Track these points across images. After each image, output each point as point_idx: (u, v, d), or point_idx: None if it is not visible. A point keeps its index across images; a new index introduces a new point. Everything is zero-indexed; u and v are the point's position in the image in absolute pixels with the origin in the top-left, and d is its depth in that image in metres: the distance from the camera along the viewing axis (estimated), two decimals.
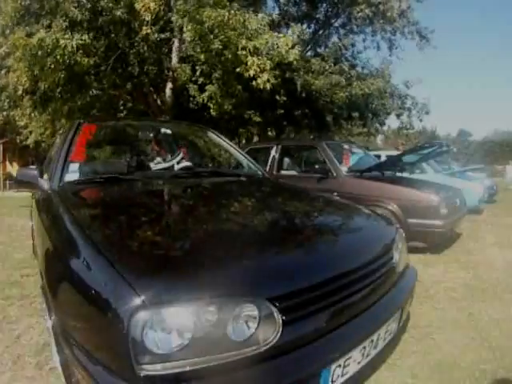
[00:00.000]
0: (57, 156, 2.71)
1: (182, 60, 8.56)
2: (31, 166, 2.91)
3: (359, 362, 1.56)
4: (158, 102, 9.49)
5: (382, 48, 12.01)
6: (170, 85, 8.94)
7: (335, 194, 4.43)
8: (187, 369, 1.15)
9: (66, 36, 6.51)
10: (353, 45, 12.40)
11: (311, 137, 13.60)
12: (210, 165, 4.04)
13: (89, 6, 7.06)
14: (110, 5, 7.10)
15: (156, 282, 1.23)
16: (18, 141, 14.76)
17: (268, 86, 6.20)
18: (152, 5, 6.03)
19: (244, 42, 6.13)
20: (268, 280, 1.38)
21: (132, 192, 2.54)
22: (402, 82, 11.49)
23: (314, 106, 10.34)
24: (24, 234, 6.13)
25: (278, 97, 8.36)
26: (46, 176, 2.71)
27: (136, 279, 1.22)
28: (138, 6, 6.26)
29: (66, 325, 1.46)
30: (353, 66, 11.16)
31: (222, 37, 6.31)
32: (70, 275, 1.46)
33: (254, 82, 6.25)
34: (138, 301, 1.15)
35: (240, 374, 1.21)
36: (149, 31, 6.83)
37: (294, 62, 6.98)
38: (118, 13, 7.20)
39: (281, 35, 6.27)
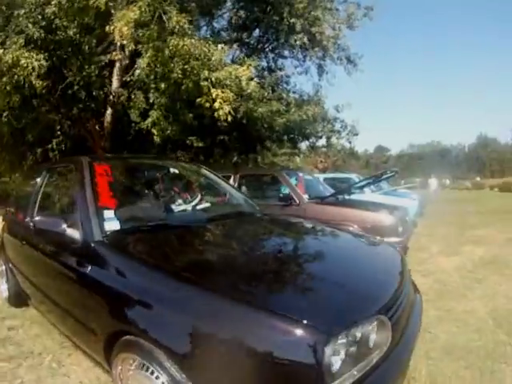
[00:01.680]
0: (81, 202, 2.62)
1: (124, 85, 8.82)
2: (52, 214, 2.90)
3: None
4: (97, 127, 9.58)
5: (312, 73, 13.21)
6: (109, 110, 9.10)
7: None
8: (353, 379, 1.56)
9: (26, 54, 6.43)
10: (280, 69, 13.35)
11: (235, 158, 14.22)
12: (216, 202, 4.15)
13: (44, 23, 7.04)
14: (65, 23, 7.14)
15: (322, 316, 1.59)
16: None
17: (229, 117, 6.67)
18: (125, 29, 6.15)
19: (207, 73, 6.62)
20: (376, 299, 1.87)
21: (198, 237, 2.72)
22: (333, 106, 12.70)
23: (252, 131, 11.13)
24: None
25: (219, 123, 8.98)
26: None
27: (312, 318, 1.53)
28: (109, 29, 6.41)
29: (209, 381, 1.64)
30: (288, 92, 12.16)
31: (186, 66, 6.69)
32: (209, 331, 1.63)
33: (215, 114, 6.68)
34: (322, 335, 1.46)
35: (376, 373, 1.65)
36: (120, 56, 6.96)
37: (253, 94, 7.59)
38: (71, 32, 7.28)
39: (242, 68, 6.81)
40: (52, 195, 3.97)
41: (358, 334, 1.61)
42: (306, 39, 10.73)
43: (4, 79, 6.56)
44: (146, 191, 3.63)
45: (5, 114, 7.66)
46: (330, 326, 1.53)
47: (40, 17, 7.06)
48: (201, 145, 9.40)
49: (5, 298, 4.60)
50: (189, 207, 3.38)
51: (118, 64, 8.89)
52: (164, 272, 1.98)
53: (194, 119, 8.59)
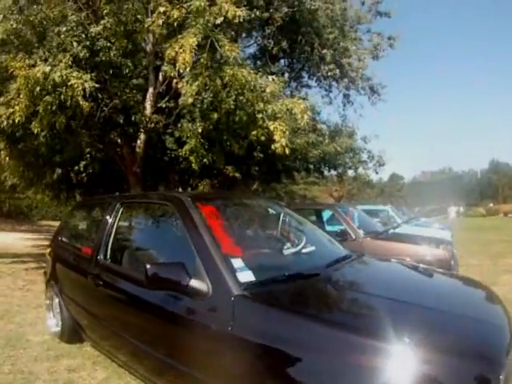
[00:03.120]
0: (201, 249, 2.48)
1: (158, 110, 9.09)
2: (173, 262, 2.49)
3: None
4: (127, 151, 9.76)
5: (338, 103, 13.60)
6: (142, 135, 9.21)
7: None
8: None
9: (75, 74, 6.40)
10: (304, 99, 13.71)
11: (254, 186, 14.49)
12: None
13: (87, 43, 7.06)
14: (108, 44, 7.20)
15: (492, 347, 1.84)
16: None
17: (287, 150, 6.72)
18: (188, 57, 6.19)
19: (262, 105, 6.76)
20: (506, 328, 2.09)
21: (336, 286, 2.73)
22: (360, 136, 13.09)
23: (281, 162, 11.47)
24: (10, 301, 6.10)
25: (255, 153, 9.23)
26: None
27: (488, 350, 1.80)
28: (170, 52, 6.49)
29: None
30: (319, 123, 12.52)
31: (241, 97, 6.83)
32: None
33: (272, 147, 6.79)
34: (498, 364, 1.69)
35: None
36: (182, 85, 7.01)
37: (306, 127, 7.87)
38: (112, 54, 7.34)
39: (299, 101, 6.96)
40: (136, 234, 3.85)
41: (508, 362, 1.77)
42: (337, 70, 11.15)
43: (48, 98, 6.52)
44: (257, 234, 3.51)
45: (43, 134, 7.60)
46: (500, 355, 1.77)
47: (83, 36, 7.14)
48: (237, 175, 9.65)
49: (54, 334, 4.44)
50: (294, 250, 3.18)
51: (151, 89, 9.09)
52: (342, 328, 1.93)
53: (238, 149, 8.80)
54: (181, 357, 2.45)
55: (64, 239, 4.91)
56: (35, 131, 7.02)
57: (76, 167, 10.21)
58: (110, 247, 3.54)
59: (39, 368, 3.65)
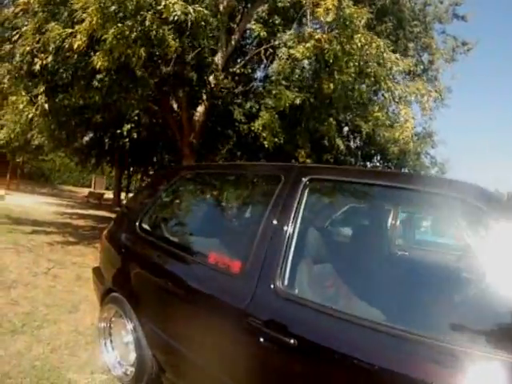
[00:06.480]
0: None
1: (227, 74, 8.03)
2: None
3: None
4: (186, 118, 8.69)
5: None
6: (206, 102, 8.12)
7: None
8: None
9: None
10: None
11: None
12: None
13: None
14: None
15: None
16: None
17: (411, 143, 5.86)
18: (329, 2, 5.04)
19: (390, 83, 5.74)
20: None
21: None
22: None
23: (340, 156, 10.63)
24: (33, 295, 4.24)
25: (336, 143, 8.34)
26: None
27: None
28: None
29: None
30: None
31: (368, 70, 5.76)
32: None
33: (396, 135, 5.86)
34: None
35: None
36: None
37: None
38: None
39: (427, 87, 6.07)
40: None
41: None
42: (421, 66, 10.26)
43: (128, 22, 5.08)
44: None
45: (99, 77, 6.18)
46: None
47: None
48: (308, 161, 8.63)
49: (117, 378, 2.70)
50: None
51: (220, 53, 8.10)
52: None
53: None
54: None
55: (150, 228, 2.94)
56: (97, 66, 5.42)
57: (118, 131, 8.97)
58: (290, 264, 1.85)
59: None
